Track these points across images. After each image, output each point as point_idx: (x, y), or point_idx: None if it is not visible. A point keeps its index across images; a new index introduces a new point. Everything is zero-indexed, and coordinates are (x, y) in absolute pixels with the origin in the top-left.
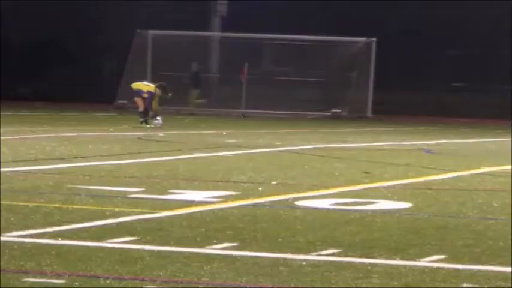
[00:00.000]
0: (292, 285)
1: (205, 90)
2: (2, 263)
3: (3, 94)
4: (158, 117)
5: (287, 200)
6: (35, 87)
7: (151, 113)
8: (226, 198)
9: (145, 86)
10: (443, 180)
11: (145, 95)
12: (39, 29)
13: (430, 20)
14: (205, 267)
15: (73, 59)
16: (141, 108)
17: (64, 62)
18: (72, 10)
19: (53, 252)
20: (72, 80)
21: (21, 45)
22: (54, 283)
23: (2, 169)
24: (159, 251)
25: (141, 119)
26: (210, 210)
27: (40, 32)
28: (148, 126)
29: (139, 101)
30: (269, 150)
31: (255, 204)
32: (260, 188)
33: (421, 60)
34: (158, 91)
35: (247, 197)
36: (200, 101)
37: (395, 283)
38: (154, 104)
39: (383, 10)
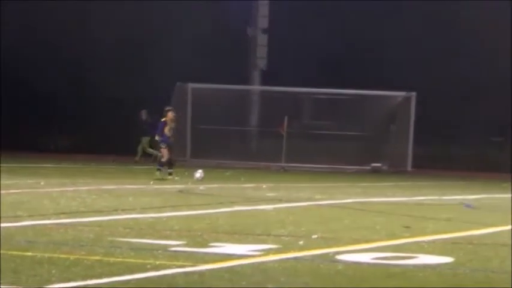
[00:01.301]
0: None
1: (245, 144)
2: None
3: (44, 147)
4: (199, 171)
5: (328, 254)
6: (75, 140)
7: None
8: (267, 252)
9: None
10: (483, 235)
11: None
12: (78, 84)
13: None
14: None
15: (112, 112)
16: (164, 158)
17: (103, 115)
18: (110, 62)
19: None
20: (111, 133)
21: (62, 98)
22: None
23: (44, 221)
24: None
25: (159, 167)
26: (251, 263)
27: (79, 86)
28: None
29: (164, 151)
30: (309, 204)
31: (295, 258)
32: (301, 242)
33: (460, 114)
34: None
35: (287, 250)
36: (152, 150)
37: None
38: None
39: (422, 64)
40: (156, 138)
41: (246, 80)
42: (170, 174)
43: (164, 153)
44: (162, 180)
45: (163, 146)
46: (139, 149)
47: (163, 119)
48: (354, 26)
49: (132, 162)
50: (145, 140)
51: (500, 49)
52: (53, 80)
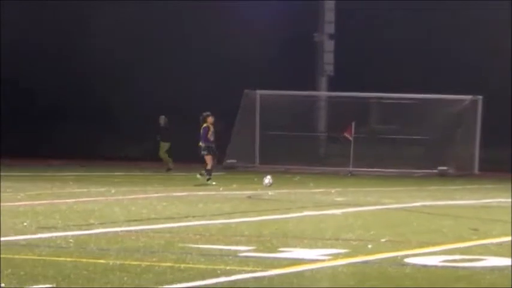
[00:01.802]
0: None
1: (313, 149)
2: None
3: (114, 155)
4: (268, 176)
5: (396, 257)
6: (144, 148)
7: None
8: (335, 256)
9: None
10: None
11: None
12: (145, 96)
13: None
14: None
15: (180, 121)
16: (209, 166)
17: (172, 124)
18: (180, 74)
19: None
20: (180, 141)
21: (133, 109)
22: None
23: (115, 228)
24: None
25: (208, 177)
26: (320, 268)
27: (147, 100)
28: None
29: (208, 158)
30: (377, 208)
31: (364, 262)
32: (369, 246)
33: None
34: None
35: (356, 254)
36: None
37: None
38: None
39: (488, 66)
40: (201, 144)
41: (313, 86)
42: (209, 180)
43: (208, 160)
44: (205, 185)
45: (206, 152)
46: (162, 155)
47: (204, 125)
48: (417, 31)
49: (167, 170)
50: (163, 145)
51: None
52: (120, 89)
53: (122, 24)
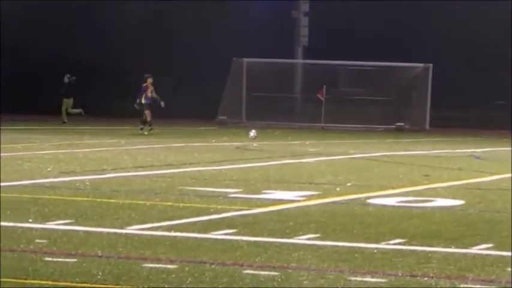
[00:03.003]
0: (366, 269)
1: (291, 108)
2: (125, 251)
3: (121, 112)
4: (253, 131)
5: (360, 198)
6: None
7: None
8: (309, 197)
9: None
10: (490, 181)
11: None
12: (162, 63)
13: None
14: (293, 255)
15: (181, 84)
16: (148, 119)
17: (175, 87)
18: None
19: (167, 243)
20: (179, 100)
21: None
22: (168, 268)
23: (124, 173)
24: (255, 241)
25: (142, 126)
26: (296, 207)
27: (165, 64)
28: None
29: (147, 113)
30: (345, 157)
31: (333, 202)
32: (338, 189)
33: (469, 82)
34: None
35: (326, 196)
36: (75, 110)
37: (451, 267)
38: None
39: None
40: (139, 101)
41: (291, 55)
42: (151, 130)
43: (148, 114)
44: (147, 135)
45: (144, 108)
46: (63, 110)
47: (144, 84)
48: (377, 9)
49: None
50: (66, 101)
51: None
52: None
53: None
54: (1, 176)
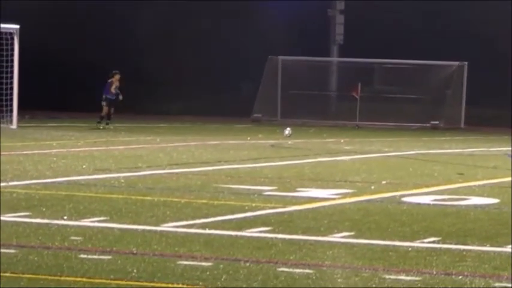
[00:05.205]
0: (400, 268)
1: (326, 105)
2: (160, 248)
3: (157, 111)
4: (288, 128)
5: (395, 196)
6: (184, 105)
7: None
8: (344, 195)
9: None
10: None
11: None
12: (185, 63)
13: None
14: (327, 253)
15: (217, 83)
16: (103, 114)
17: (211, 85)
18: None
19: (201, 240)
20: (215, 98)
21: (176, 69)
22: (202, 266)
23: (159, 171)
24: (289, 239)
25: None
26: (331, 205)
27: (192, 63)
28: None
29: (105, 108)
30: (379, 155)
31: (368, 200)
32: (372, 187)
33: (504, 80)
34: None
35: (361, 194)
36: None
37: (486, 266)
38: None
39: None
40: (104, 96)
41: (326, 53)
42: (107, 124)
43: (104, 109)
44: (102, 129)
45: (105, 103)
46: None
47: (109, 80)
48: (410, 9)
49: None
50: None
51: None
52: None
53: None
54: (35, 173)
